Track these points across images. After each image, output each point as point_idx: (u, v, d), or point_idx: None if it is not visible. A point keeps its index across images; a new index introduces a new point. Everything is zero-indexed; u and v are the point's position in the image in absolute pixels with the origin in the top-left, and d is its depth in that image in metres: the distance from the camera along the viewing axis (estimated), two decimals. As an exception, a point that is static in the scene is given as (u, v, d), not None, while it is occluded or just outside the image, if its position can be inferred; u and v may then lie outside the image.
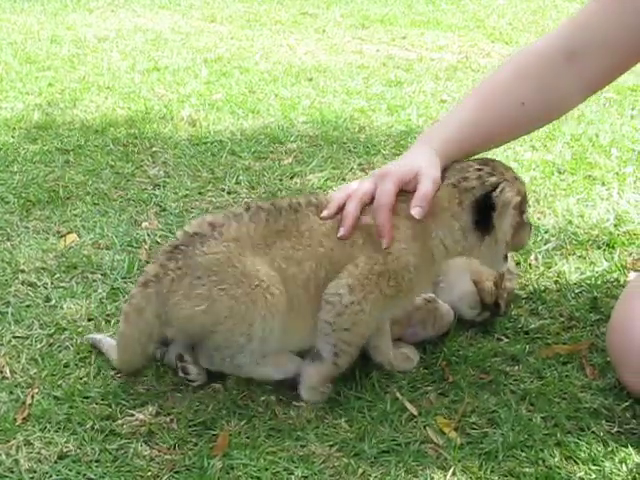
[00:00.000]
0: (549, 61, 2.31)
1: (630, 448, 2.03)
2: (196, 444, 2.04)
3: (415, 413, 2.14)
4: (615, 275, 2.78)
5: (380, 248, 2.12)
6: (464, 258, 2.31)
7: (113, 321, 2.55)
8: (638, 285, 2.25)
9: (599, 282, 2.76)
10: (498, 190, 2.11)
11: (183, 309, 2.14)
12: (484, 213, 2.14)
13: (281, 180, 3.67)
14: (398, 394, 2.21)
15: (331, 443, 2.04)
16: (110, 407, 2.16)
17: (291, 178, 3.70)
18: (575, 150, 4.06)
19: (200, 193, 3.53)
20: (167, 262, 2.16)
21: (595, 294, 2.68)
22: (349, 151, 4.04)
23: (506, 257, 2.27)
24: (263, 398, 2.21)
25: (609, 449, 2.03)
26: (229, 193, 3.52)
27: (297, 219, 2.18)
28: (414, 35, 7.04)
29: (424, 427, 2.10)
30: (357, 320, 2.13)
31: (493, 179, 2.14)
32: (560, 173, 3.79)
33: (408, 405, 2.17)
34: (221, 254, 2.13)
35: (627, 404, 2.19)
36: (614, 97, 4.99)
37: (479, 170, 2.16)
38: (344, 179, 3.67)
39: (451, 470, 1.95)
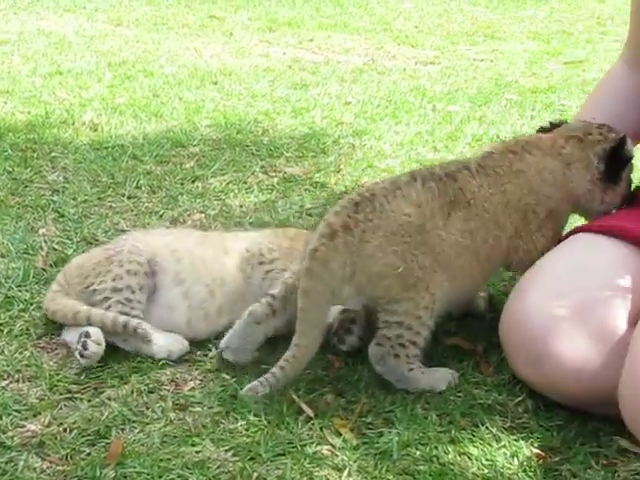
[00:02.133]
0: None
1: (521, 442, 2.08)
2: (89, 454, 2.01)
3: (312, 415, 2.15)
4: (510, 273, 2.82)
5: (533, 194, 2.31)
6: None
7: (6, 330, 2.48)
8: (529, 279, 2.29)
9: (494, 280, 2.80)
10: (628, 143, 2.37)
11: (377, 263, 2.12)
12: (613, 164, 2.36)
13: (182, 184, 3.64)
14: (295, 396, 2.21)
15: (227, 448, 2.03)
16: (0, 419, 2.11)
17: (192, 182, 3.67)
18: (476, 150, 4.10)
19: (99, 198, 3.47)
20: (355, 214, 2.12)
21: (490, 292, 2.72)
22: (252, 154, 4.03)
23: None
24: (159, 404, 2.18)
25: (501, 444, 2.07)
26: (129, 198, 3.48)
27: (461, 188, 2.24)
28: (321, 38, 7.06)
29: (320, 429, 2.11)
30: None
31: (613, 134, 2.39)
32: (461, 173, 3.83)
33: (305, 407, 2.17)
34: (413, 217, 2.14)
35: (520, 399, 2.23)
36: (515, 98, 5.09)
37: (599, 127, 2.41)
38: (246, 182, 3.65)
39: (346, 471, 1.97)
